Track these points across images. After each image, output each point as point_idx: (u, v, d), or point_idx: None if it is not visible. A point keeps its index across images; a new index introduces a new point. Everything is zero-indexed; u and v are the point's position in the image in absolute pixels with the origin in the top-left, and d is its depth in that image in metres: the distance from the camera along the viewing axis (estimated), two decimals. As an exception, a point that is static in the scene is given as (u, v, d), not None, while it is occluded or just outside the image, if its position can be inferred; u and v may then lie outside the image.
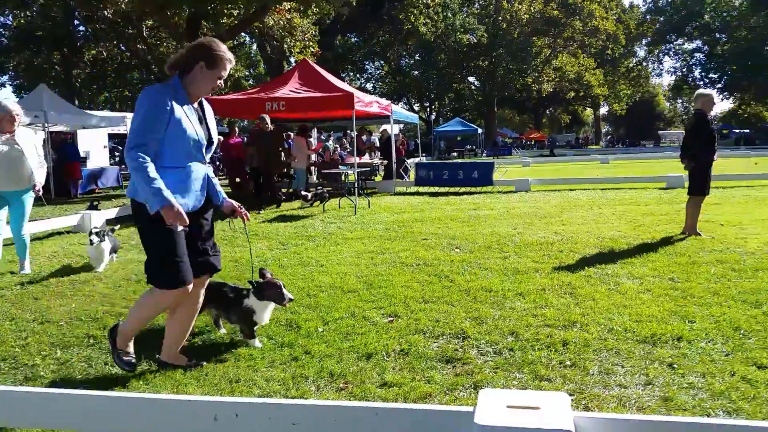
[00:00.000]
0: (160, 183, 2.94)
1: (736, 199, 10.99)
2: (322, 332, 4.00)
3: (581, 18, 44.36)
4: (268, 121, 11.83)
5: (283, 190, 13.83)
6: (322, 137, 22.40)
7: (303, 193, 12.05)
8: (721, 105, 69.01)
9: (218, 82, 3.19)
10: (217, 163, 19.75)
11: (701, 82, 55.24)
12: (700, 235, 7.15)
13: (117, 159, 24.47)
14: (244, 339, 3.80)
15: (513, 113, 69.61)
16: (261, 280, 3.78)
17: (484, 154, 41.47)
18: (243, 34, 26.03)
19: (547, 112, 68.31)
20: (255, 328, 3.78)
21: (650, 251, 6.34)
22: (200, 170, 3.24)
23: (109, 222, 9.42)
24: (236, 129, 14.80)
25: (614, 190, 13.46)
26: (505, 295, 4.78)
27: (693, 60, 56.81)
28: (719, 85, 55.11)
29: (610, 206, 10.54)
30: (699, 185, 7.16)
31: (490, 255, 6.44)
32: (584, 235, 7.50)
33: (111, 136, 23.34)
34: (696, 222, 7.27)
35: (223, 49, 3.16)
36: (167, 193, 2.95)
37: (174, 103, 3.05)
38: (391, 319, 4.27)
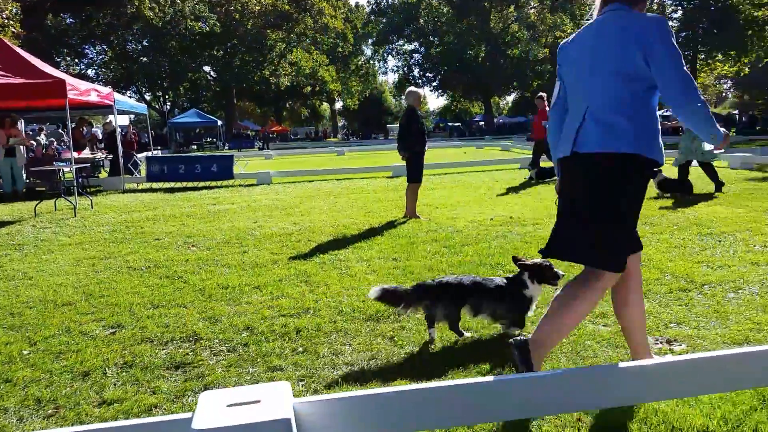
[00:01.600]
0: None
1: (448, 184, 12.51)
2: (27, 355, 3.48)
3: (312, 15, 46.01)
4: None
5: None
6: (30, 130, 19.56)
7: None
8: (438, 101, 78.09)
9: None
10: None
11: (420, 81, 61.54)
12: (418, 217, 7.96)
13: None
14: (512, 330, 3.55)
15: (254, 105, 69.37)
16: (527, 262, 3.55)
17: (225, 147, 40.64)
18: None
19: (287, 105, 69.63)
20: None
21: (377, 235, 6.85)
22: None
23: None
24: None
25: (349, 180, 14.30)
26: (242, 290, 4.72)
27: (412, 60, 62.96)
28: (435, 84, 62.04)
29: (345, 195, 11.16)
30: (414, 173, 7.97)
31: (229, 250, 6.31)
32: (321, 224, 7.81)
33: None
34: (414, 206, 8.08)
35: None
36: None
37: None
38: (114, 330, 3.90)
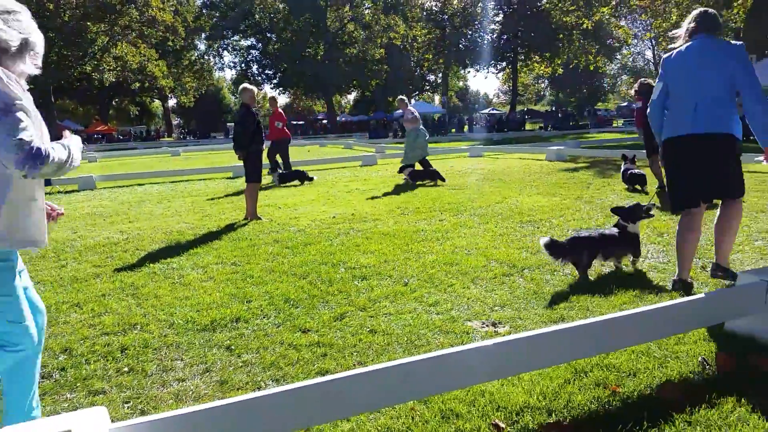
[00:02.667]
0: None
1: (293, 182, 12.38)
2: None
3: (137, 6, 43.02)
4: None
5: None
6: None
7: None
8: (280, 99, 76.83)
9: None
10: None
11: (260, 78, 60.34)
12: (260, 218, 7.77)
13: None
14: (636, 263, 4.66)
15: (75, 104, 63.45)
16: (624, 208, 4.65)
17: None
18: None
19: (114, 103, 64.68)
20: None
21: (216, 239, 6.58)
22: None
23: None
24: None
25: (185, 183, 13.62)
26: (58, 309, 4.26)
27: (250, 56, 61.51)
28: (275, 81, 61.15)
29: (180, 198, 10.60)
30: (253, 173, 7.76)
31: (44, 265, 5.68)
32: (151, 231, 7.32)
33: None
34: (255, 207, 7.87)
35: None
36: None
37: None
38: None
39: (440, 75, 63.31)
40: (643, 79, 8.70)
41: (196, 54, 61.49)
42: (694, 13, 4.10)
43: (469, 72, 68.84)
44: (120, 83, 49.24)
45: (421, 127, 11.82)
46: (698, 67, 3.91)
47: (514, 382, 2.78)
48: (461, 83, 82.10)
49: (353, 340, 3.44)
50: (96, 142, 46.97)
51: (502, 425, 2.42)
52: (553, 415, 2.50)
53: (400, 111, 13.16)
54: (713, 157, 3.93)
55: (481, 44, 54.38)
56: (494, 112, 60.27)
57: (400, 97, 12.12)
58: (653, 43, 56.70)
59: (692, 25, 4.03)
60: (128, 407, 2.77)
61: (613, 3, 28.90)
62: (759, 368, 2.76)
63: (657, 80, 4.21)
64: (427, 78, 67.38)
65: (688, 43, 4.02)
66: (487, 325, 3.60)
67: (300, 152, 24.84)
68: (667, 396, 2.57)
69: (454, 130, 46.51)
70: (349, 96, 76.03)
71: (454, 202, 8.52)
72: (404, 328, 3.58)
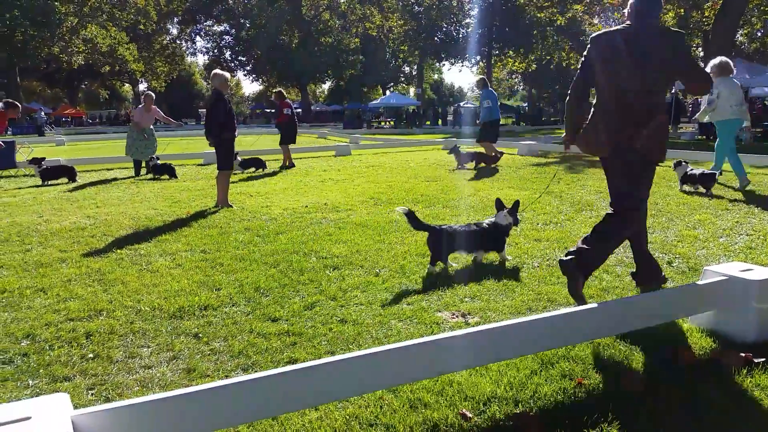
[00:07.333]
0: None
1: (264, 171, 12.27)
2: None
3: (108, -12, 42.09)
4: None
5: None
6: None
7: None
8: (253, 87, 75.80)
9: None
10: None
11: (233, 64, 59.55)
12: (231, 206, 7.69)
13: None
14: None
15: (43, 86, 61.82)
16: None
17: (8, 132, 35.68)
18: None
19: (83, 86, 63.19)
20: None
21: (184, 226, 6.49)
22: None
23: None
24: None
25: (154, 168, 13.35)
26: (22, 294, 4.16)
27: (223, 42, 60.63)
28: (248, 68, 60.40)
29: (149, 185, 10.43)
30: (224, 160, 7.67)
31: (8, 249, 5.53)
32: (119, 216, 7.19)
33: None
34: (227, 194, 7.79)
35: None
36: None
37: None
38: None
39: (415, 67, 63.25)
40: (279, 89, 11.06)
41: (168, 38, 60.35)
42: None
43: (443, 65, 68.89)
44: (89, 66, 48.12)
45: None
46: None
47: (482, 372, 2.80)
48: (436, 76, 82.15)
49: (323, 330, 3.43)
50: (64, 125, 45.79)
51: (470, 415, 2.44)
52: (520, 405, 2.53)
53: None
54: None
55: (457, 37, 54.43)
56: (469, 105, 60.43)
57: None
58: (625, 41, 57.20)
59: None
60: (92, 394, 2.72)
61: (586, 0, 29.17)
62: (718, 361, 2.84)
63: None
64: (403, 69, 67.27)
65: None
66: (456, 316, 3.62)
67: (273, 140, 24.57)
68: (631, 388, 2.62)
69: (429, 122, 46.50)
70: (323, 85, 75.44)
71: (427, 193, 8.55)
72: (374, 318, 3.59)
